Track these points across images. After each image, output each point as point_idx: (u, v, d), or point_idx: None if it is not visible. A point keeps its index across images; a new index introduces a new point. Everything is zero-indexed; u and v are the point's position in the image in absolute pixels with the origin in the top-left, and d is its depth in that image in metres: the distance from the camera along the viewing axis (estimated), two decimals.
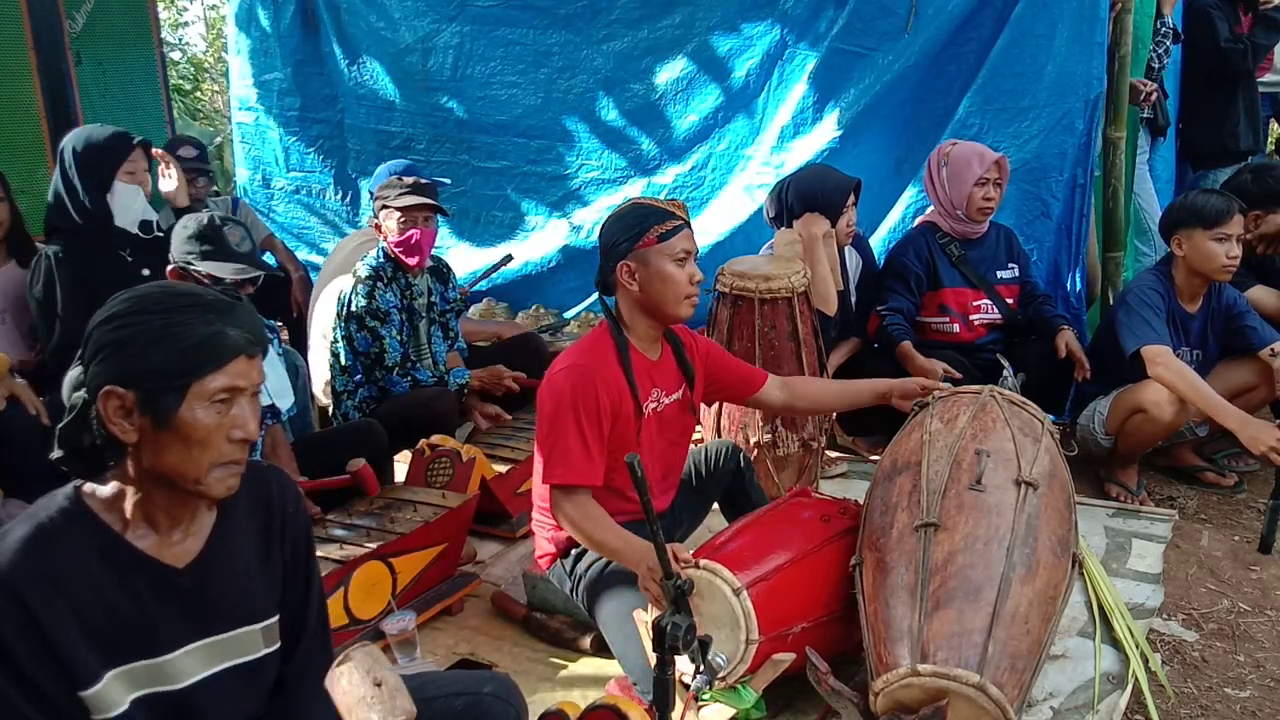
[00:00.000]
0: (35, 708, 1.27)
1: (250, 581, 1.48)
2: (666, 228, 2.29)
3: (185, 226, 2.69)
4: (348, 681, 1.71)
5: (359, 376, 3.39)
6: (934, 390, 2.54)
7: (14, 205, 3.28)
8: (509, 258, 4.69)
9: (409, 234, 3.33)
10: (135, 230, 3.22)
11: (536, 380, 3.58)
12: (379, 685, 1.68)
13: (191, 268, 2.65)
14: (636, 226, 2.30)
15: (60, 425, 1.36)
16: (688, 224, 2.35)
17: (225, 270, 2.62)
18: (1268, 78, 5.19)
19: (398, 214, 3.32)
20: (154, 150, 3.45)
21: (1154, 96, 4.21)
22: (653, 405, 2.40)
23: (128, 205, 3.20)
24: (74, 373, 1.36)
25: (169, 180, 3.57)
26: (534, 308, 4.78)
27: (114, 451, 1.36)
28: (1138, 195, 4.43)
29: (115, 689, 1.33)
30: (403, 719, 1.64)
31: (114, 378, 1.30)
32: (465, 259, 5.01)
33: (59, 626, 1.28)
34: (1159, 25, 4.19)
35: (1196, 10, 4.52)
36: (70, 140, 3.22)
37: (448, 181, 4.47)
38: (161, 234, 3.19)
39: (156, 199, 3.89)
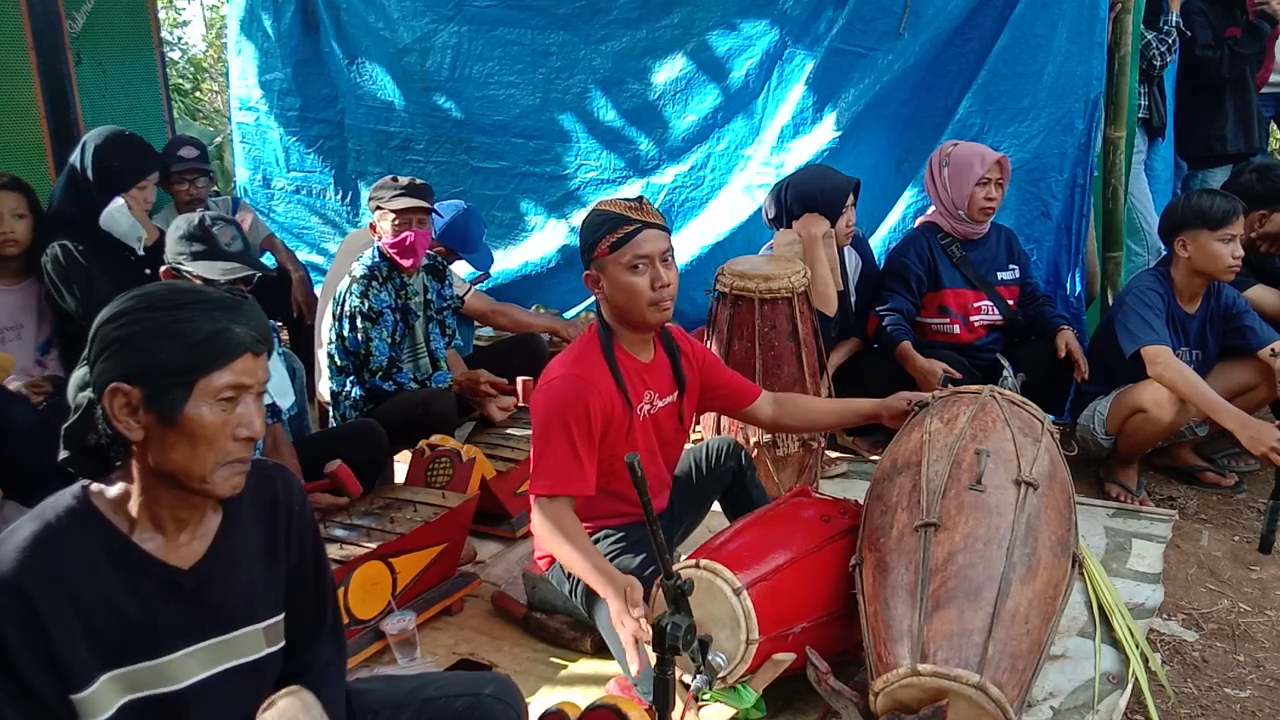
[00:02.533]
0: (21, 710, 1.27)
1: (253, 582, 1.48)
2: (617, 236, 2.19)
3: (177, 227, 2.66)
4: None
5: (353, 376, 3.39)
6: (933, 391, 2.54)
7: (37, 221, 3.26)
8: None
9: (403, 235, 3.34)
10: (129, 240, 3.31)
11: (514, 388, 3.60)
12: None
13: (183, 268, 2.62)
14: (590, 237, 2.24)
15: (66, 425, 1.36)
16: (647, 226, 2.21)
17: (215, 271, 2.58)
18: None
19: (392, 215, 3.33)
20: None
21: None
22: (645, 408, 2.38)
23: (112, 217, 3.26)
24: (80, 372, 1.36)
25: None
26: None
27: (120, 451, 1.36)
28: (1132, 195, 4.42)
29: (106, 693, 1.33)
30: None
31: (120, 374, 1.31)
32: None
33: (61, 627, 1.28)
34: (1163, 24, 4.17)
35: (1186, 14, 4.52)
36: (93, 139, 3.33)
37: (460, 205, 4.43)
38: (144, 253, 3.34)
39: (158, 200, 3.89)
